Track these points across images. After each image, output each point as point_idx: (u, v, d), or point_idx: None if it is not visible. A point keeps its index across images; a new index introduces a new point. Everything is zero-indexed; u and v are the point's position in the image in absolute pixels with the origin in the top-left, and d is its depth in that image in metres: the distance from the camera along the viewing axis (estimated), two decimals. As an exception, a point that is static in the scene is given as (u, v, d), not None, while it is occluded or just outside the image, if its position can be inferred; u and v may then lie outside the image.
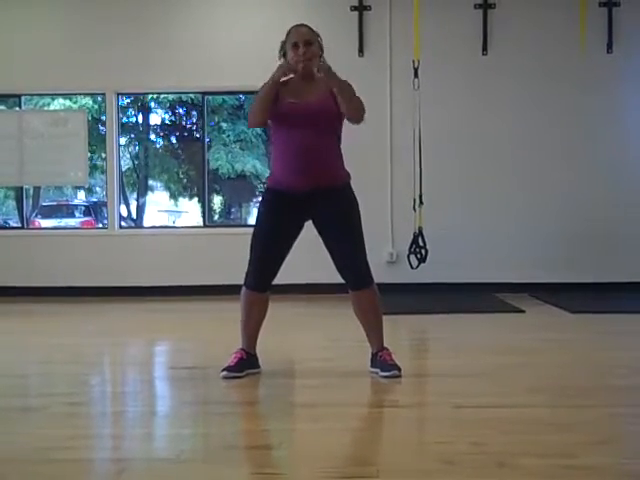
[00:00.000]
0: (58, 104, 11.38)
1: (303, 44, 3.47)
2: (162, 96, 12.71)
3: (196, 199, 14.08)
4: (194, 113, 13.58)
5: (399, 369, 3.50)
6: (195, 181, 13.18)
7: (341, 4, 7.39)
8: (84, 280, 7.42)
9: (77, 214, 14.46)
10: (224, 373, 3.50)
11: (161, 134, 15.14)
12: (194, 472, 2.28)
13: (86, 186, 11.95)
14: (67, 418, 2.90)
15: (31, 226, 9.92)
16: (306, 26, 3.55)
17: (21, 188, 8.15)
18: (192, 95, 10.15)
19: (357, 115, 3.48)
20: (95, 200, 14.69)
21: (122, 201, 11.26)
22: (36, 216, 13.44)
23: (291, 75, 3.48)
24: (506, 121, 7.37)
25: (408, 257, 6.65)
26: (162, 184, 15.65)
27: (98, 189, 14.32)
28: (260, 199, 3.70)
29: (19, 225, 8.46)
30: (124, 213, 13.99)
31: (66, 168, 7.75)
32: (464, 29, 7.38)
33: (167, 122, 14.76)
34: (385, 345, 3.62)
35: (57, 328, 5.53)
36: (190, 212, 15.51)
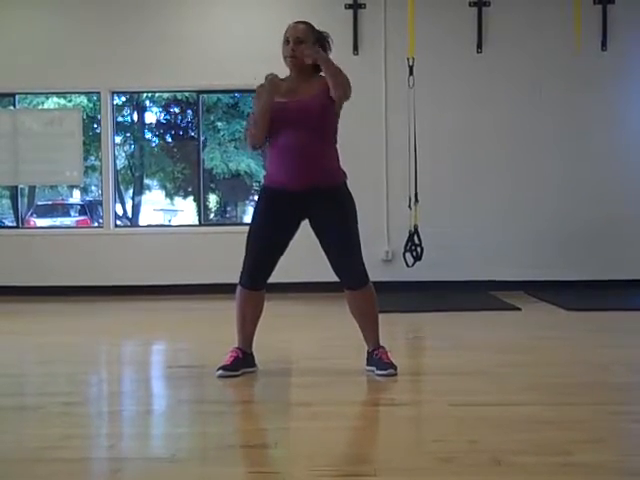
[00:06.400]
0: (53, 103, 11.36)
1: (293, 41, 3.46)
2: (157, 95, 12.70)
3: (191, 198, 14.06)
4: (189, 112, 13.56)
5: (395, 368, 3.49)
6: (190, 180, 13.16)
7: (336, 2, 7.38)
8: (80, 279, 7.41)
9: (72, 213, 14.44)
10: (220, 372, 3.49)
11: (156, 133, 15.12)
12: (190, 471, 2.27)
13: (81, 185, 11.94)
14: (63, 417, 2.89)
15: (26, 225, 9.89)
16: (305, 23, 3.53)
17: (16, 187, 8.14)
18: (187, 94, 10.12)
19: (342, 89, 3.41)
20: (90, 199, 14.67)
21: (118, 200, 11.23)
22: (31, 215, 13.42)
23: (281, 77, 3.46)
24: (501, 118, 7.38)
25: (404, 255, 6.65)
26: (158, 183, 15.64)
27: (93, 188, 14.30)
28: (256, 198, 3.69)
29: (14, 224, 8.43)
30: (120, 212, 13.96)
31: (61, 167, 7.74)
32: (459, 27, 7.38)
33: (162, 121, 14.75)
34: (381, 344, 3.62)
35: (52, 327, 5.51)
36: (186, 211, 15.49)
